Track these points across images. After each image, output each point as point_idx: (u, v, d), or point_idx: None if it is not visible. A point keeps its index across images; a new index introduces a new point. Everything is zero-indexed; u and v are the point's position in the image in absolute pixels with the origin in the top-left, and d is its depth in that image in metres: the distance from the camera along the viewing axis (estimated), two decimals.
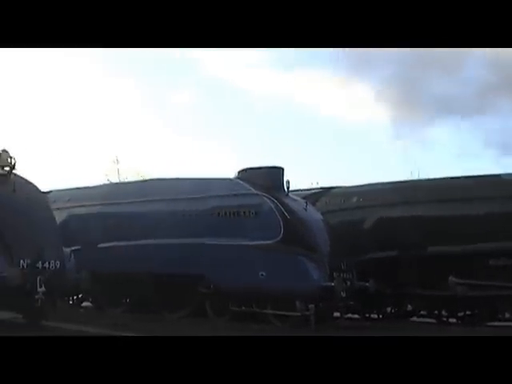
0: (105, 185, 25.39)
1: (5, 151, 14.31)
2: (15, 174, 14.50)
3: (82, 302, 19.96)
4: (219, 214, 16.54)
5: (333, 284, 15.16)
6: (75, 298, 19.79)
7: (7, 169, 14.36)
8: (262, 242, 15.68)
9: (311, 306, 14.83)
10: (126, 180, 24.77)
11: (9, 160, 14.32)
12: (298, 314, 15.06)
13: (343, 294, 15.42)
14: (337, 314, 16.77)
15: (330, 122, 56.61)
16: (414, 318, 18.73)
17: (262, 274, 15.39)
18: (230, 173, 17.89)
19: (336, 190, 20.09)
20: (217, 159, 57.71)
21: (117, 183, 23.38)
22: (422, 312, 18.68)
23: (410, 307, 18.86)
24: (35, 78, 57.32)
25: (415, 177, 19.63)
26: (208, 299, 16.60)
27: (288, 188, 16.51)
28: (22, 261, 13.06)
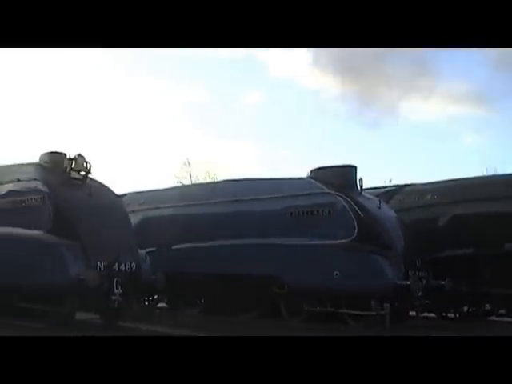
0: (177, 187, 25.84)
1: (80, 156, 14.64)
2: (91, 178, 14.82)
3: (157, 303, 20.20)
4: (292, 213, 16.49)
5: (408, 282, 14.92)
6: (151, 299, 20.03)
7: (83, 173, 14.69)
8: (336, 241, 15.53)
9: (386, 305, 14.63)
10: (198, 182, 25.03)
11: (84, 165, 14.65)
12: (373, 313, 14.87)
13: (419, 293, 15.16)
14: (413, 313, 16.51)
15: (403, 120, 56.12)
16: (493, 318, 18.33)
17: (336, 274, 15.24)
18: (302, 172, 17.87)
19: (410, 187, 19.79)
20: (287, 159, 57.88)
21: (189, 185, 23.63)
22: (500, 311, 18.27)
23: (487, 306, 18.45)
24: (110, 82, 58.57)
25: (490, 173, 19.24)
26: (282, 299, 16.54)
27: (361, 186, 16.36)
28: (99, 263, 13.31)
